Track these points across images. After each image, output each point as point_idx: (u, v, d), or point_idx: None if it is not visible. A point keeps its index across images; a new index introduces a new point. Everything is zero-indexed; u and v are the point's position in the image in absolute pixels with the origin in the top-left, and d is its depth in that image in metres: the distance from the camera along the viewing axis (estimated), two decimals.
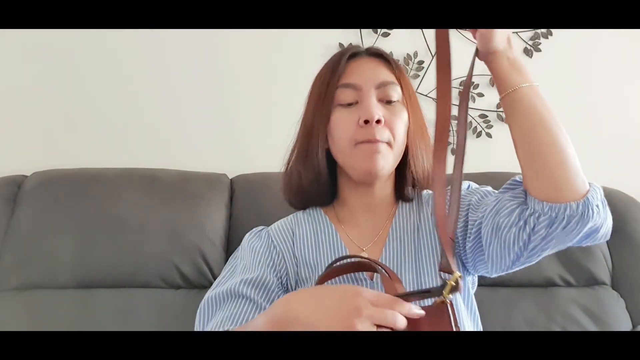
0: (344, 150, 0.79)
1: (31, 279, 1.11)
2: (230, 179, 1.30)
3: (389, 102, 0.80)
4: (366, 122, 0.76)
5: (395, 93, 0.80)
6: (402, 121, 0.80)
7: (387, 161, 0.78)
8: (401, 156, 0.82)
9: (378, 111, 0.77)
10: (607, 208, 0.69)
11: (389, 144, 0.78)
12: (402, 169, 0.84)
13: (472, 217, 0.76)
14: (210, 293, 0.79)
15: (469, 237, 0.76)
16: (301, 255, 0.82)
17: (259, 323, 0.62)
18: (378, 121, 0.76)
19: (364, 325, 0.54)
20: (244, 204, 1.23)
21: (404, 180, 0.85)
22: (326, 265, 0.80)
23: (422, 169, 0.84)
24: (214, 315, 0.76)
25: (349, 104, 0.79)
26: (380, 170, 0.78)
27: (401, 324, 0.56)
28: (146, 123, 1.40)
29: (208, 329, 0.75)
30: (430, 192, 0.89)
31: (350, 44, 1.42)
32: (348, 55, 0.83)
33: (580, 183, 0.66)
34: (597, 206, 0.65)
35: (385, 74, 0.81)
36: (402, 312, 0.57)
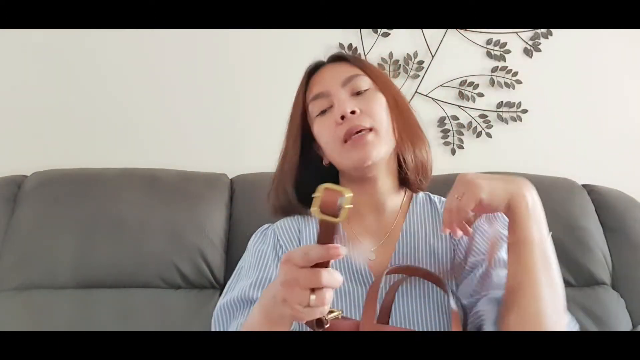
0: (335, 152, 0.80)
1: (31, 279, 1.10)
2: (230, 179, 1.30)
3: (359, 93, 0.81)
4: (342, 117, 0.77)
5: (364, 83, 0.81)
6: (380, 106, 0.80)
7: (377, 147, 0.77)
8: (393, 144, 0.81)
9: (349, 104, 0.78)
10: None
11: (372, 129, 0.77)
12: (397, 159, 0.85)
13: (476, 288, 0.74)
14: (221, 301, 0.80)
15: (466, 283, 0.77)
16: None
17: (255, 315, 0.62)
18: (353, 112, 0.77)
19: (286, 312, 0.53)
20: (244, 204, 1.23)
21: (403, 170, 0.84)
22: (334, 265, 0.79)
23: (412, 155, 0.83)
24: (229, 325, 0.77)
25: (324, 111, 0.81)
26: (375, 157, 0.78)
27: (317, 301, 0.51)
28: (146, 123, 1.40)
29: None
30: (444, 199, 0.89)
31: (350, 44, 1.42)
32: (309, 71, 0.86)
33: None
34: None
35: (348, 71, 0.82)
36: (314, 279, 0.50)
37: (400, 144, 0.82)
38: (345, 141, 0.77)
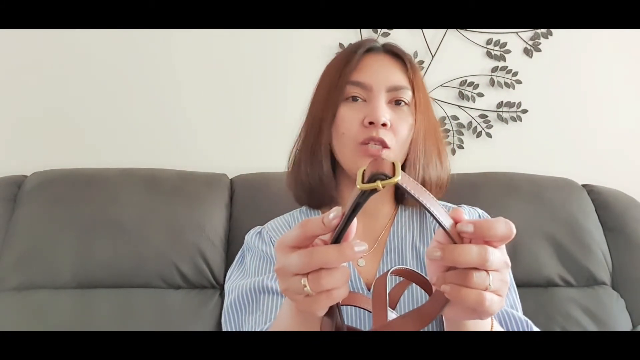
0: (346, 148, 0.78)
1: (31, 279, 1.10)
2: (230, 179, 1.30)
3: (397, 103, 0.78)
4: (371, 123, 0.75)
5: (406, 97, 0.78)
6: (407, 125, 0.78)
7: None
8: (404, 160, 0.80)
9: (385, 114, 0.75)
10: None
11: (390, 148, 0.76)
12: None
13: None
14: (231, 296, 0.77)
15: None
16: None
17: (286, 311, 0.57)
18: (384, 124, 0.75)
19: (293, 295, 0.47)
20: (244, 204, 1.23)
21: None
22: None
23: (422, 176, 0.81)
24: (247, 314, 0.74)
25: (356, 99, 0.78)
26: None
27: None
28: (146, 123, 1.40)
29: (247, 329, 0.72)
30: (441, 203, 0.87)
31: (350, 44, 1.42)
32: (364, 50, 0.81)
33: None
34: None
35: (398, 77, 0.79)
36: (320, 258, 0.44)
37: (408, 160, 0.80)
38: (361, 144, 0.76)
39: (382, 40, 1.41)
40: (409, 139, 0.79)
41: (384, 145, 0.75)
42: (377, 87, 0.77)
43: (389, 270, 0.61)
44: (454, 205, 0.87)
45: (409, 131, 0.78)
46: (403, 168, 0.79)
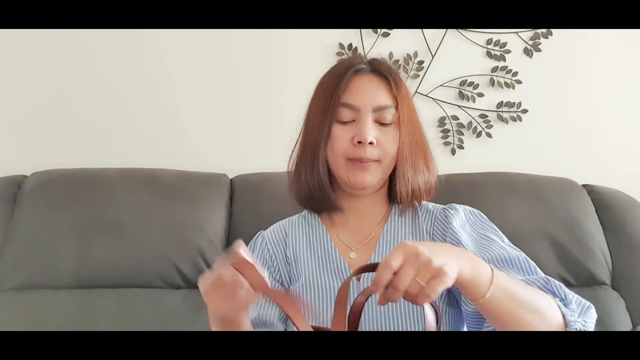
0: (337, 162, 0.85)
1: (31, 279, 1.11)
2: (230, 179, 1.30)
3: (383, 121, 0.84)
4: (359, 142, 0.81)
5: (390, 115, 0.84)
6: (393, 140, 0.84)
7: (375, 176, 0.84)
8: (392, 169, 0.86)
9: (372, 133, 0.82)
10: (590, 314, 0.70)
11: (378, 161, 0.83)
12: (393, 179, 0.87)
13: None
14: None
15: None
16: (293, 255, 0.88)
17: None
18: (370, 142, 0.82)
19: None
20: (244, 204, 1.23)
21: (394, 188, 0.87)
22: (316, 263, 0.85)
23: (408, 184, 0.86)
24: None
25: (346, 119, 0.84)
26: (368, 184, 0.84)
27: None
28: (146, 123, 1.40)
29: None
30: (431, 204, 0.91)
31: (350, 44, 1.42)
32: (353, 72, 0.86)
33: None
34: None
35: (384, 98, 0.84)
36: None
37: (397, 172, 0.86)
38: (351, 159, 0.83)
39: (381, 41, 1.42)
40: (396, 151, 0.85)
41: (372, 161, 0.82)
42: (365, 108, 0.83)
43: (351, 275, 0.63)
44: (441, 206, 0.90)
45: (395, 145, 0.85)
46: (393, 180, 0.87)
